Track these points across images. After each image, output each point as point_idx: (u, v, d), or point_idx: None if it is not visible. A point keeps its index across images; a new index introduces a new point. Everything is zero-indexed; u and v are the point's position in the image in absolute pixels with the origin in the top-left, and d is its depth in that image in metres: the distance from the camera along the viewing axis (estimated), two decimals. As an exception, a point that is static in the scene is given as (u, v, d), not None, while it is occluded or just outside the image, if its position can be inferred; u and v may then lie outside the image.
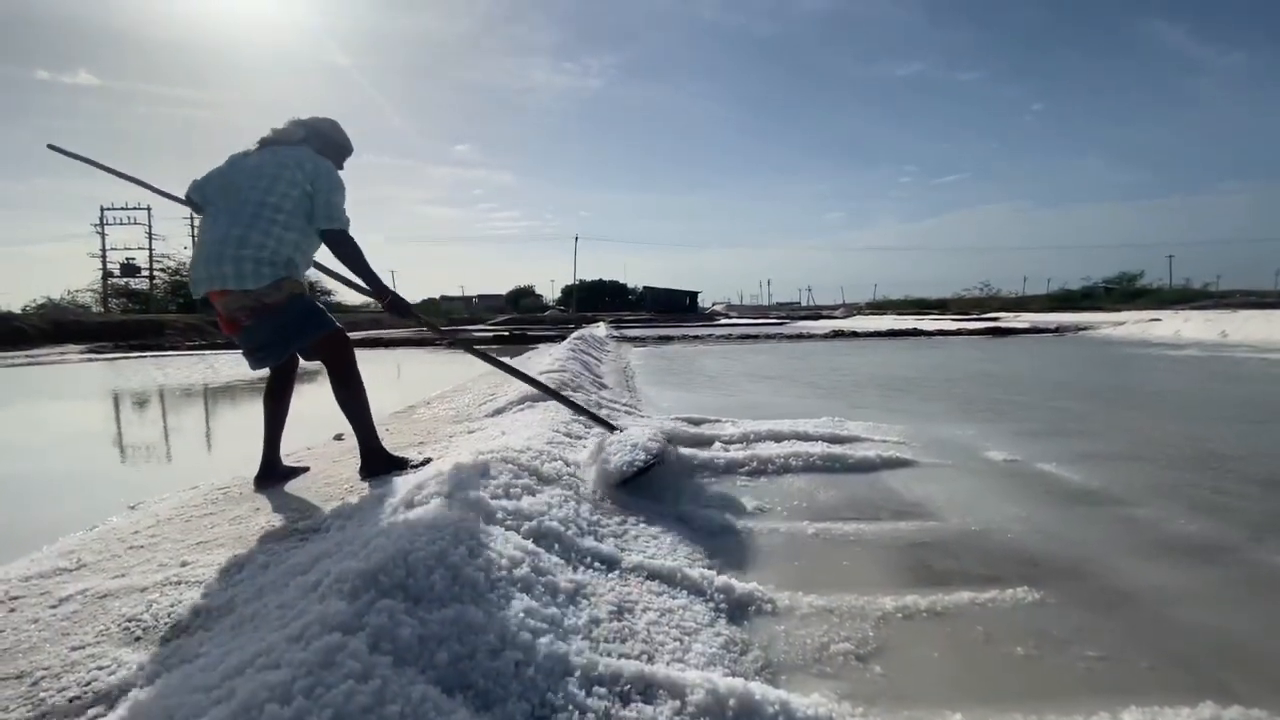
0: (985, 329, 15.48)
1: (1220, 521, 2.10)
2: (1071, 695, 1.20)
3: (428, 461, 2.45)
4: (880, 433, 3.42)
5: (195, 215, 2.46)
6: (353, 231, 2.35)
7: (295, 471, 2.57)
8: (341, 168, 2.53)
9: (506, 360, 3.22)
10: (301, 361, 2.48)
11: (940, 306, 43.37)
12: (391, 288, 2.42)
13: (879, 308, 47.73)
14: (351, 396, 2.34)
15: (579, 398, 4.20)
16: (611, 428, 2.80)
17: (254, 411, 6.23)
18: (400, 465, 2.41)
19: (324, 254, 2.44)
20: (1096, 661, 1.31)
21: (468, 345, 3.17)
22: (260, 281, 2.13)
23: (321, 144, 2.45)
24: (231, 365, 10.82)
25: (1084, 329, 15.47)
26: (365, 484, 2.28)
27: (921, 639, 1.39)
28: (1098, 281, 46.67)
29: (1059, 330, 15.11)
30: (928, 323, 19.22)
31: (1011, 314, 26.72)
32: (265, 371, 2.42)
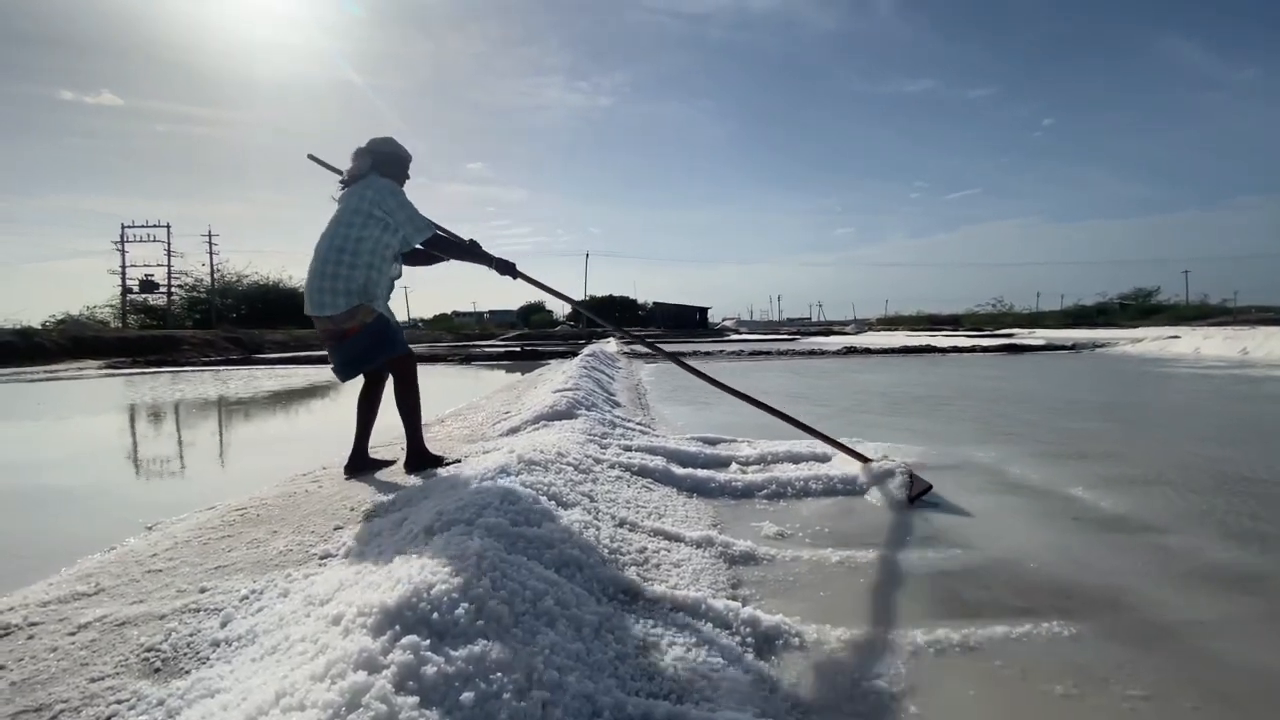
0: (1000, 346, 15.34)
1: (1258, 549, 2.03)
2: (1116, 739, 1.15)
3: (458, 461, 2.90)
4: (899, 454, 3.36)
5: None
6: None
7: (381, 464, 3.00)
8: (408, 175, 2.95)
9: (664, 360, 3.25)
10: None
11: (953, 322, 43.10)
12: (492, 254, 2.98)
13: (891, 323, 47.50)
14: (409, 404, 2.81)
15: (594, 416, 4.18)
16: (863, 458, 2.94)
17: (267, 427, 6.26)
18: (437, 462, 2.86)
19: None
20: (1140, 701, 1.26)
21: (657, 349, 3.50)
22: (336, 309, 2.61)
23: (386, 164, 2.84)
24: (244, 381, 10.90)
25: (1101, 346, 15.29)
26: (382, 501, 2.26)
27: (956, 675, 1.35)
28: (1113, 297, 46.25)
29: (1075, 347, 14.94)
30: (941, 339, 19.09)
31: (1025, 330, 26.49)
32: (288, 380, 2.63)
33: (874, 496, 2.63)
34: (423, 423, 2.92)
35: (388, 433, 3.38)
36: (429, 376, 10.98)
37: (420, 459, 2.85)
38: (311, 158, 3.25)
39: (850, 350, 14.12)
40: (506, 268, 3.00)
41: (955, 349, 14.58)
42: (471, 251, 2.92)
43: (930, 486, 2.63)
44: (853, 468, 3.03)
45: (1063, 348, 15.11)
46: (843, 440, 3.15)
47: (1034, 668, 1.37)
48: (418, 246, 2.82)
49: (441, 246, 2.87)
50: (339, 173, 3.03)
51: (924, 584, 1.81)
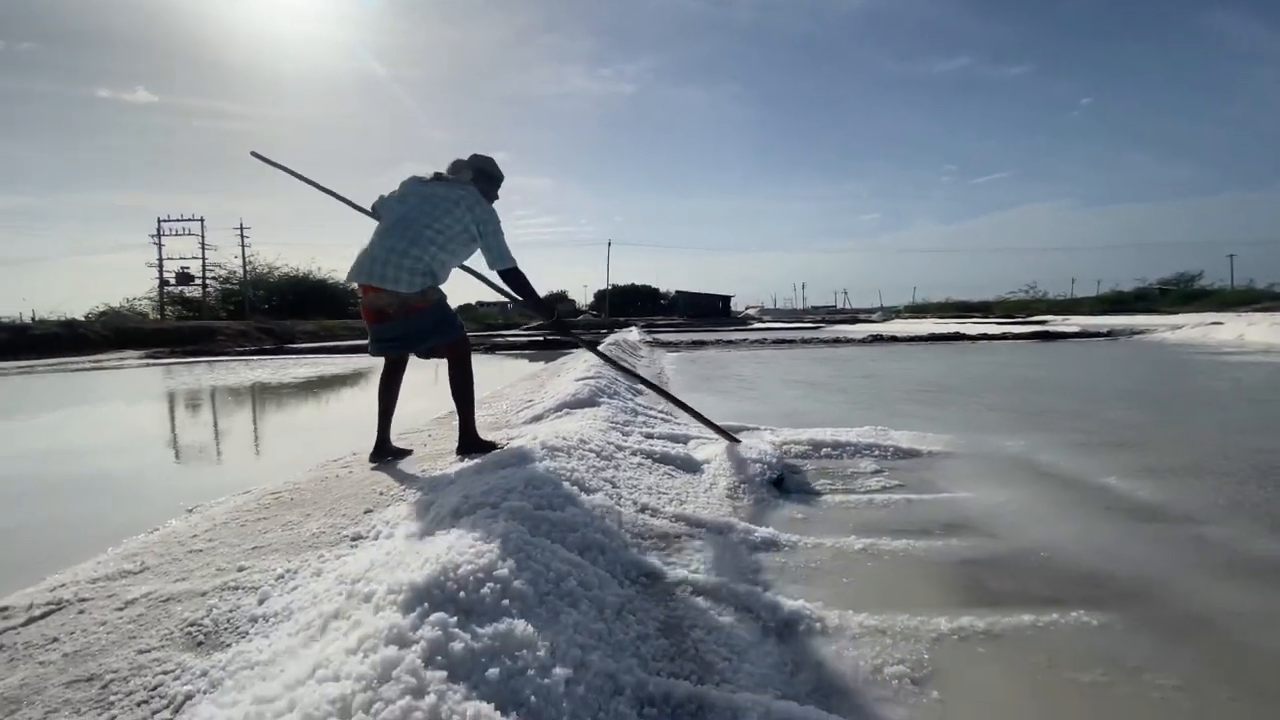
0: (1032, 333, 14.96)
1: (1301, 542, 1.97)
2: (1146, 729, 1.13)
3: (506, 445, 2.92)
4: (926, 443, 3.33)
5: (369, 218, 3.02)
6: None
7: (402, 452, 3.01)
8: (497, 195, 3.05)
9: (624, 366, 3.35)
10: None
11: (983, 310, 42.09)
12: (552, 311, 3.13)
13: (918, 311, 46.57)
14: (463, 387, 2.84)
15: (616, 404, 4.21)
16: (733, 439, 3.08)
17: (300, 414, 6.43)
18: (490, 447, 2.84)
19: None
20: (1173, 691, 1.24)
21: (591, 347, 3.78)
22: (411, 288, 2.63)
23: (484, 180, 2.94)
24: (278, 370, 11.18)
25: (1139, 333, 14.82)
26: (410, 486, 2.32)
27: (980, 663, 1.34)
28: (1153, 283, 44.65)
29: (1111, 334, 14.51)
30: (970, 327, 18.68)
31: (1059, 317, 25.73)
32: (318, 370, 2.65)
33: (731, 474, 2.62)
34: (446, 413, 2.99)
35: (406, 421, 3.43)
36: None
37: (471, 443, 2.87)
38: (255, 155, 3.36)
39: (876, 338, 13.92)
40: (558, 324, 3.18)
41: (985, 336, 14.27)
42: (536, 304, 3.01)
43: (784, 475, 2.67)
44: (881, 459, 3.01)
45: (1098, 335, 14.68)
46: (741, 429, 3.12)
47: (1061, 656, 1.36)
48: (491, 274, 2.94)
49: (516, 285, 2.90)
50: (285, 169, 3.24)
51: (949, 572, 1.79)
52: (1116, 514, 2.28)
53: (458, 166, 2.93)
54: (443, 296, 2.78)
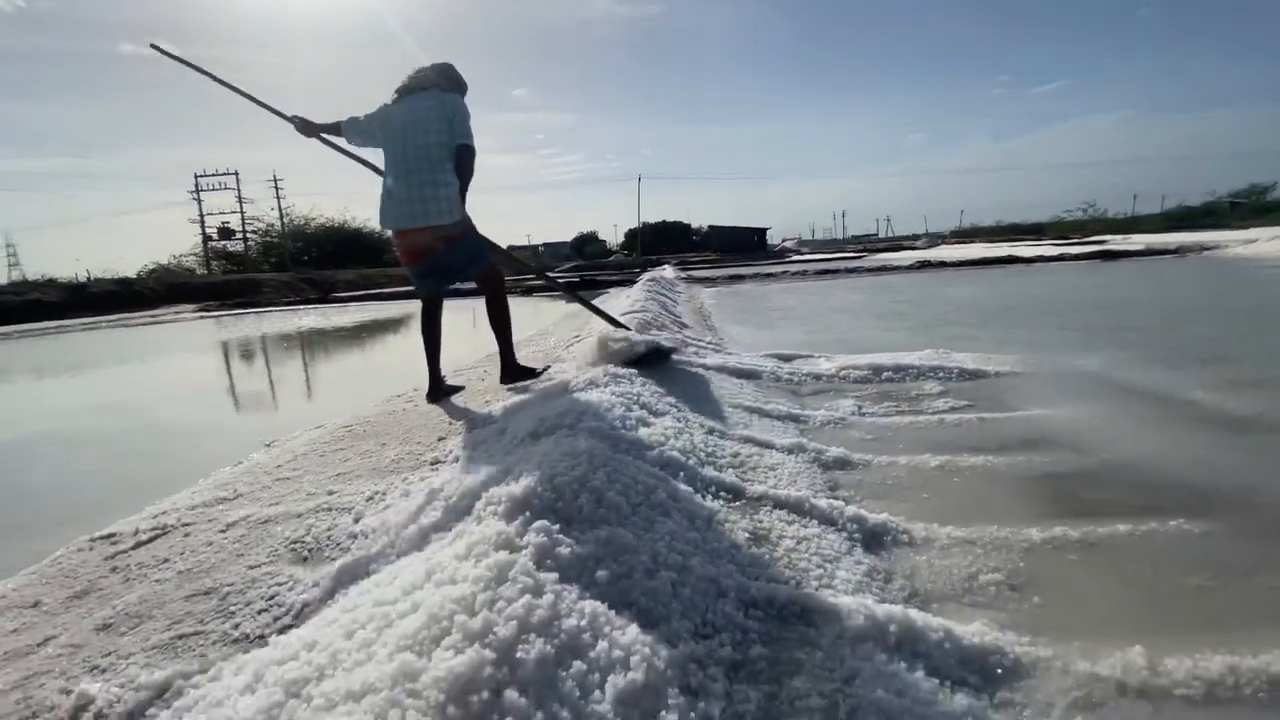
0: (1092, 253, 14.17)
1: None
2: (1261, 625, 1.09)
3: (546, 370, 3.08)
4: (991, 364, 3.21)
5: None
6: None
7: (455, 389, 3.08)
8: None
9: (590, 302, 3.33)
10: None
11: (1036, 232, 39.97)
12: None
13: (966, 236, 44.55)
14: (501, 317, 2.93)
15: (663, 336, 4.17)
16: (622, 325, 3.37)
17: (356, 356, 6.62)
18: (531, 374, 2.96)
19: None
20: (1286, 593, 1.19)
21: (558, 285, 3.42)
22: (451, 218, 2.66)
23: (450, 85, 2.86)
24: (327, 317, 11.48)
25: (1209, 249, 13.89)
26: (478, 415, 2.36)
27: (1078, 571, 1.30)
28: (1222, 196, 41.50)
29: (1179, 251, 13.63)
30: (1024, 249, 17.80)
31: (1119, 237, 24.27)
32: (365, 316, 2.71)
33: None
34: (495, 352, 3.02)
35: (452, 363, 3.47)
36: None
37: (513, 371, 2.95)
38: (154, 47, 3.35)
39: (924, 264, 13.38)
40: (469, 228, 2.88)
41: (1041, 259, 13.59)
42: (464, 187, 2.81)
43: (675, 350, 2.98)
44: (947, 381, 2.93)
45: (1165, 252, 13.82)
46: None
47: (1164, 563, 1.31)
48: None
49: (466, 164, 2.76)
50: (186, 63, 3.25)
51: (1034, 485, 1.74)
52: (1206, 426, 2.18)
53: (421, 74, 2.84)
54: (472, 224, 2.81)
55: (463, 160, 2.76)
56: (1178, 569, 1.29)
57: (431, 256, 2.74)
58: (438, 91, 2.76)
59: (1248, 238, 15.63)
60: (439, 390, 3.00)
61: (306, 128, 3.00)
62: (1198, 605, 1.17)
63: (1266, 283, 7.45)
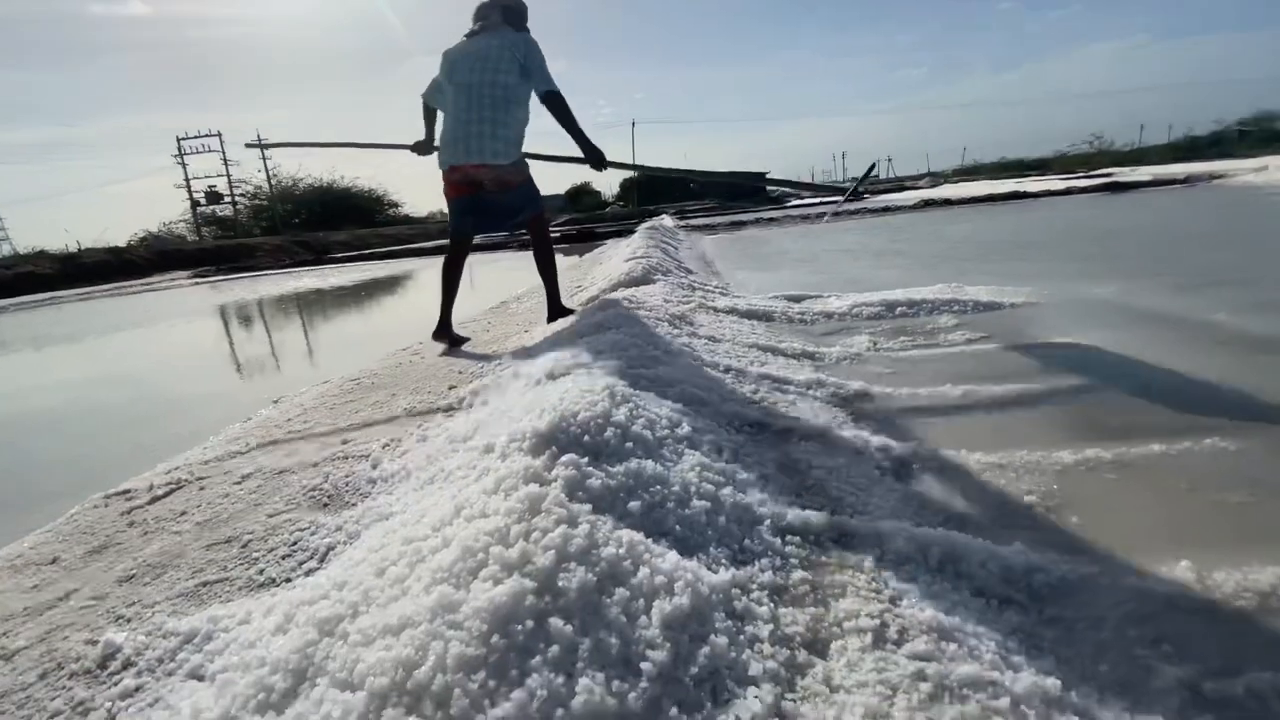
0: (1099, 185, 13.86)
1: None
2: (1310, 539, 1.07)
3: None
4: (1006, 296, 3.15)
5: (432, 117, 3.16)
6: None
7: (461, 338, 3.08)
8: (526, 28, 2.93)
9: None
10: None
11: (1040, 167, 39.08)
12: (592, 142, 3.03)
13: (969, 174, 43.60)
14: (548, 261, 3.04)
15: (672, 280, 4.09)
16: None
17: (357, 313, 6.55)
18: (572, 314, 2.98)
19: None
20: (1334, 506, 1.16)
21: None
22: (509, 158, 2.71)
23: (513, 17, 2.86)
24: (323, 278, 11.35)
25: (1219, 177, 13.57)
26: (487, 363, 2.31)
27: (1114, 491, 1.28)
28: (1230, 124, 40.33)
29: (1189, 180, 13.31)
30: (1029, 184, 17.41)
31: (1127, 169, 23.71)
32: (362, 275, 2.74)
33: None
34: (512, 298, 3.00)
35: (455, 315, 3.41)
36: (488, 267, 11.09)
37: (559, 311, 3.05)
38: (250, 145, 3.62)
39: (928, 203, 13.09)
40: (599, 160, 3.09)
41: (1048, 193, 13.30)
42: (575, 126, 2.92)
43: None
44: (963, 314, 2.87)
45: (1174, 182, 13.50)
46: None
47: (1201, 481, 1.29)
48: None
49: (560, 109, 2.85)
50: (292, 144, 3.74)
51: (1060, 411, 1.71)
52: (1232, 348, 2.13)
53: (484, 12, 2.87)
54: (529, 172, 2.89)
55: (556, 107, 2.82)
56: (1216, 486, 1.26)
57: (479, 195, 2.79)
58: (510, 31, 2.80)
59: (1259, 165, 15.25)
60: (446, 331, 3.03)
61: (422, 147, 3.20)
62: (1240, 520, 1.15)
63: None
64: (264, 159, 40.82)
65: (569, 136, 2.97)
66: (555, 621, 0.68)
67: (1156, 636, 0.85)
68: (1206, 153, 32.95)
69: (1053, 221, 7.99)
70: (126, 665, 0.93)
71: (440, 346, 2.97)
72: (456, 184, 2.79)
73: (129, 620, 1.08)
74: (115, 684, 0.89)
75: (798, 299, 3.68)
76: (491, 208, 2.84)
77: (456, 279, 3.02)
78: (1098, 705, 0.74)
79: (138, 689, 0.87)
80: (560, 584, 0.73)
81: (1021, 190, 14.19)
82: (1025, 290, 3.25)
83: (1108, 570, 1.00)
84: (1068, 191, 13.32)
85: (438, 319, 3.01)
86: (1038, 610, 0.91)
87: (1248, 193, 10.04)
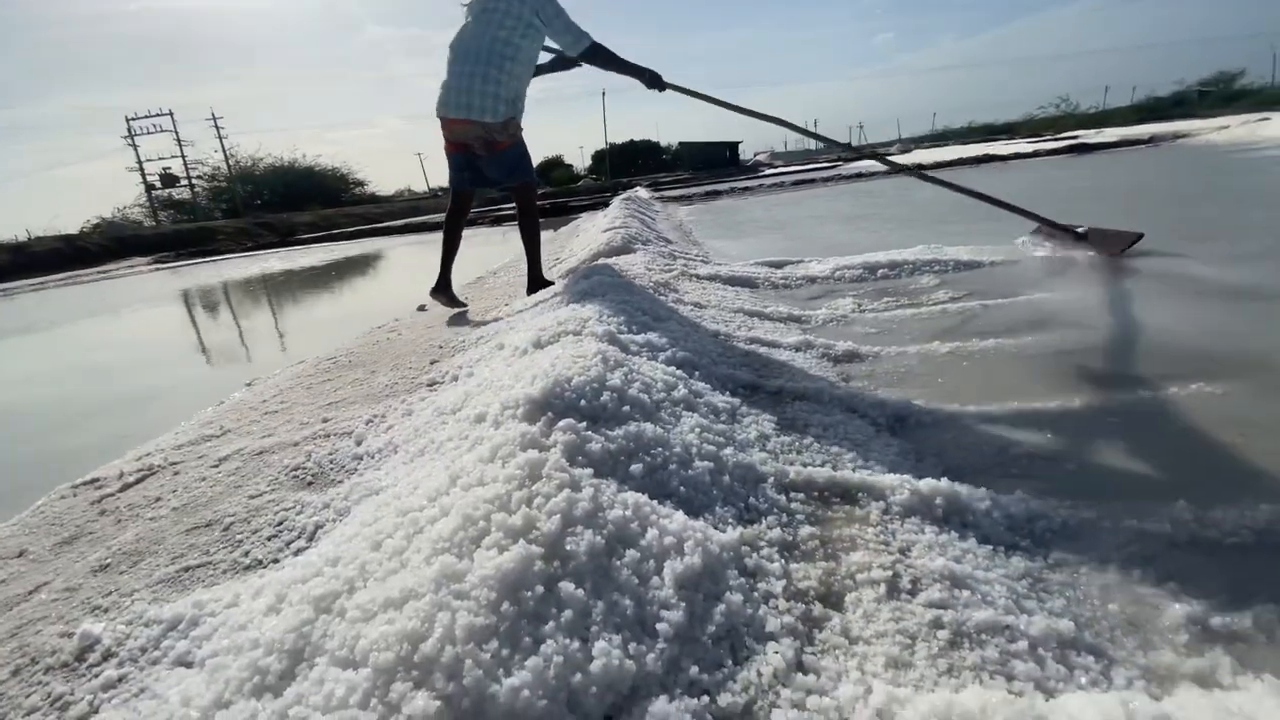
0: (1067, 147, 14.01)
1: None
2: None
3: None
4: (985, 255, 3.16)
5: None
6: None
7: (458, 302, 3.08)
8: None
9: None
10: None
11: (1008, 131, 39.42)
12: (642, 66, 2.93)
13: (939, 139, 43.78)
14: (533, 232, 2.97)
15: (652, 249, 4.03)
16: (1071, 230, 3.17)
17: (326, 295, 6.36)
18: (551, 285, 2.91)
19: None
20: (1322, 441, 1.18)
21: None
22: (496, 116, 2.62)
23: None
24: (289, 260, 11.01)
25: (1182, 137, 13.81)
26: (469, 335, 2.25)
27: (1109, 436, 1.29)
28: (1191, 85, 41.06)
29: (1153, 140, 13.53)
30: (999, 147, 17.53)
31: (1093, 130, 24.00)
32: (331, 255, 2.65)
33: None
34: (488, 273, 2.93)
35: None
36: (462, 242, 10.84)
37: (539, 283, 2.96)
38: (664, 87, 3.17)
39: (900, 168, 13.13)
40: (655, 80, 2.98)
41: (1017, 155, 13.40)
42: (622, 63, 2.86)
43: (1140, 235, 2.80)
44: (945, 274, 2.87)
45: (1139, 142, 13.71)
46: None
47: (1191, 425, 1.30)
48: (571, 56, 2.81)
49: (602, 57, 2.80)
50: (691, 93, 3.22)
51: (1048, 363, 1.72)
52: (1209, 298, 2.16)
53: None
54: (522, 137, 2.82)
55: (599, 58, 2.76)
56: (1206, 429, 1.27)
57: (471, 154, 2.76)
58: None
59: (1220, 124, 15.54)
60: (445, 290, 3.03)
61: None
62: (1233, 460, 1.16)
63: (1245, 165, 7.43)
64: (218, 131, 39.19)
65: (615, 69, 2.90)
66: (566, 586, 0.65)
67: (1161, 575, 0.86)
68: (1170, 113, 33.50)
69: (1025, 183, 8.06)
70: (107, 656, 0.88)
71: (420, 321, 2.89)
72: (450, 140, 2.78)
73: (106, 610, 1.02)
74: (96, 676, 0.84)
75: (779, 264, 3.65)
76: (498, 169, 2.83)
77: (457, 236, 3.03)
78: (1110, 644, 0.74)
79: (121, 680, 0.83)
80: (568, 548, 0.70)
81: (992, 154, 14.28)
82: (1005, 249, 3.28)
83: (1108, 514, 1.00)
84: (1036, 154, 13.44)
85: (437, 275, 3.02)
86: (1044, 555, 0.91)
87: (1211, 151, 10.23)
